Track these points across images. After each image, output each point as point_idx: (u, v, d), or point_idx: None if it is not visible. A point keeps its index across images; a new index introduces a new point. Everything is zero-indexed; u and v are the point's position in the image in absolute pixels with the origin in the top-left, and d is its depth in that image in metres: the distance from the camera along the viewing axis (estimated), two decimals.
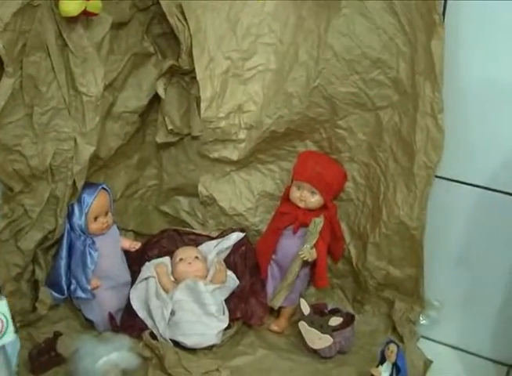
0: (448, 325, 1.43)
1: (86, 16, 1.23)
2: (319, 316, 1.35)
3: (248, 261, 1.48)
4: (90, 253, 1.34)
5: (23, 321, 1.33)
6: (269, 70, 1.38)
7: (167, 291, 1.39)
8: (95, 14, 1.23)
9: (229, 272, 1.45)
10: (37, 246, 1.34)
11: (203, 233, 1.55)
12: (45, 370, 1.27)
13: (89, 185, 1.36)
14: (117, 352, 1.19)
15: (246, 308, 1.42)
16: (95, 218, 1.35)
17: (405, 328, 1.39)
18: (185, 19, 1.34)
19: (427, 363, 1.34)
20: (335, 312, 1.40)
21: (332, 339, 1.31)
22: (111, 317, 1.38)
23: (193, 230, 1.57)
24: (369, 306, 1.47)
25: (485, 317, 1.38)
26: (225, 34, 1.37)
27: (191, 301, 1.35)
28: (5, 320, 1.04)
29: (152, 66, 1.45)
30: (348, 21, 1.28)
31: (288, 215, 1.41)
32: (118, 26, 1.34)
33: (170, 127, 1.48)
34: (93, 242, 1.35)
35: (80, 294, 1.35)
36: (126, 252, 1.44)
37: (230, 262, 1.48)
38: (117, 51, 1.36)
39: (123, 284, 1.42)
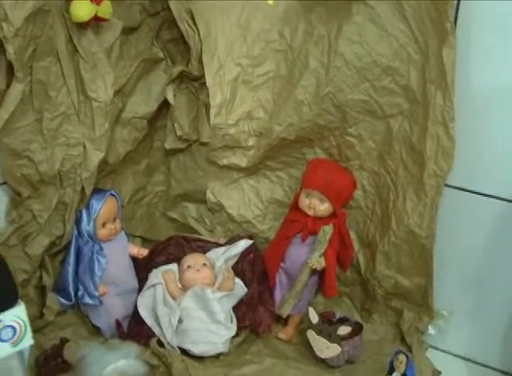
0: (457, 335, 1.42)
1: (96, 22, 1.23)
2: (328, 324, 1.34)
3: (256, 268, 1.47)
4: (98, 259, 1.34)
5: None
6: (279, 76, 1.38)
7: (174, 298, 1.38)
8: (106, 19, 1.24)
9: (237, 280, 1.44)
10: (44, 252, 1.33)
11: (211, 240, 1.54)
12: None
13: (98, 191, 1.36)
14: (125, 360, 1.19)
15: (254, 316, 1.41)
16: (104, 225, 1.35)
17: (414, 338, 1.38)
18: (195, 25, 1.34)
19: (436, 374, 1.33)
20: (343, 320, 1.39)
21: (340, 348, 1.30)
22: (118, 324, 1.37)
23: (201, 237, 1.56)
24: (378, 315, 1.46)
25: (494, 328, 1.37)
26: (236, 39, 1.36)
27: (199, 309, 1.34)
28: (23, 325, 1.05)
29: (161, 72, 1.45)
30: (359, 28, 1.28)
31: (297, 223, 1.41)
32: (128, 31, 1.35)
33: (179, 133, 1.47)
34: (101, 248, 1.35)
35: (87, 300, 1.35)
36: (133, 259, 1.44)
37: (238, 270, 1.47)
38: (127, 56, 1.36)
39: (130, 291, 1.42)
